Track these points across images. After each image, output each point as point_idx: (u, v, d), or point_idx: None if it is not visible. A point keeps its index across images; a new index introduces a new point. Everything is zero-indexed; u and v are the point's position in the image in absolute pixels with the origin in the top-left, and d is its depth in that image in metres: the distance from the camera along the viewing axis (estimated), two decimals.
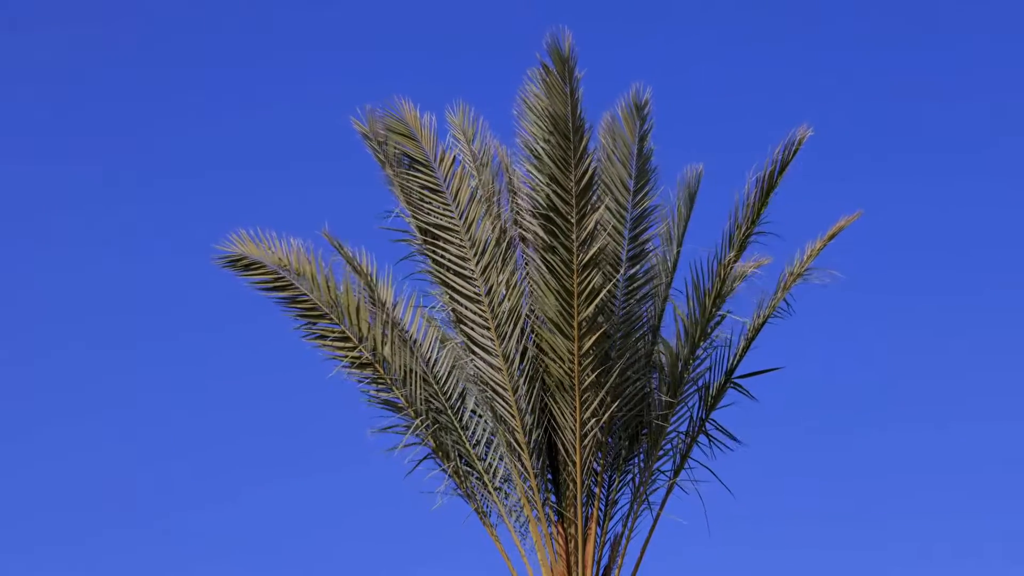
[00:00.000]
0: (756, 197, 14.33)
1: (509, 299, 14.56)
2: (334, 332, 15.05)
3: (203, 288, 32.34)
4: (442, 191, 14.67)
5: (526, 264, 14.80)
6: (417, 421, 14.99)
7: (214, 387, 31.69)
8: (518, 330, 14.54)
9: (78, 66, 34.24)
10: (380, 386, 15.11)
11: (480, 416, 14.98)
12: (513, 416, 14.59)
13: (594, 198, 14.13)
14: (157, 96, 33.94)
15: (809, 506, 29.28)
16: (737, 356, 14.89)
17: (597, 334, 14.29)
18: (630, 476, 14.97)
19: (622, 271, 14.67)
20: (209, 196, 33.28)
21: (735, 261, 14.48)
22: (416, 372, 14.99)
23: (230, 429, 31.29)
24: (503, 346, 14.54)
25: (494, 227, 14.71)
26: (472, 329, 14.67)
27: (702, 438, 15.04)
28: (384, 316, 15.11)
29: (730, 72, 34.49)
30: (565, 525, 14.75)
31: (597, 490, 14.78)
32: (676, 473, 14.94)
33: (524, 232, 14.91)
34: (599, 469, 14.83)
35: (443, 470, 15.09)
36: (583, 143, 13.92)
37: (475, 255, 14.62)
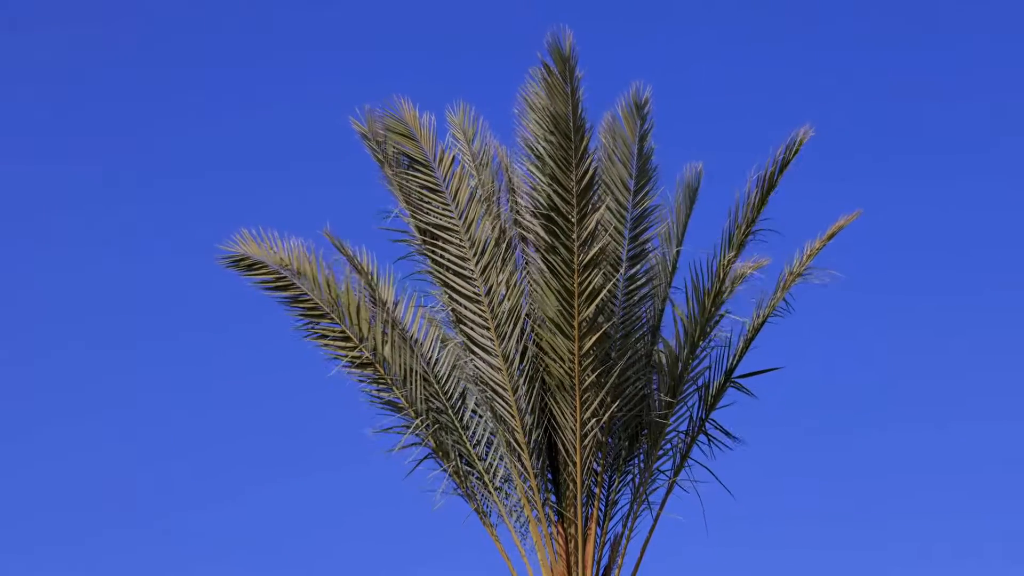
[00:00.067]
0: (756, 197, 14.33)
1: (509, 299, 14.55)
2: (335, 332, 15.05)
3: (203, 288, 32.37)
4: (441, 191, 14.67)
5: (526, 264, 14.80)
6: (417, 421, 14.99)
7: (214, 387, 31.71)
8: (518, 330, 14.54)
9: (78, 66, 34.27)
10: (380, 386, 15.11)
11: (480, 416, 14.98)
12: (513, 416, 14.59)
13: (595, 198, 14.13)
14: (157, 96, 33.97)
15: (809, 506, 29.30)
16: (737, 356, 14.89)
17: (597, 334, 14.29)
18: (630, 476, 14.97)
19: (622, 271, 14.67)
20: (209, 196, 33.31)
21: (734, 261, 14.48)
22: (416, 372, 14.99)
23: (230, 429, 31.32)
24: (503, 346, 14.54)
25: (494, 227, 14.70)
26: (472, 329, 14.66)
27: (702, 438, 15.04)
28: (385, 316, 15.11)
29: (730, 72, 34.51)
30: (565, 525, 14.75)
31: (597, 490, 14.77)
32: (676, 473, 14.94)
33: (524, 232, 14.91)
34: (599, 469, 14.83)
35: (443, 470, 15.09)
36: (584, 143, 13.91)
37: (475, 255, 14.62)
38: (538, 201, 14.20)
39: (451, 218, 14.67)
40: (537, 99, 14.10)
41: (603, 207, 14.32)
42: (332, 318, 15.05)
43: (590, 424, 14.51)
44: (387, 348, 14.98)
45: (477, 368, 14.69)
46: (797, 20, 34.77)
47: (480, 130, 15.71)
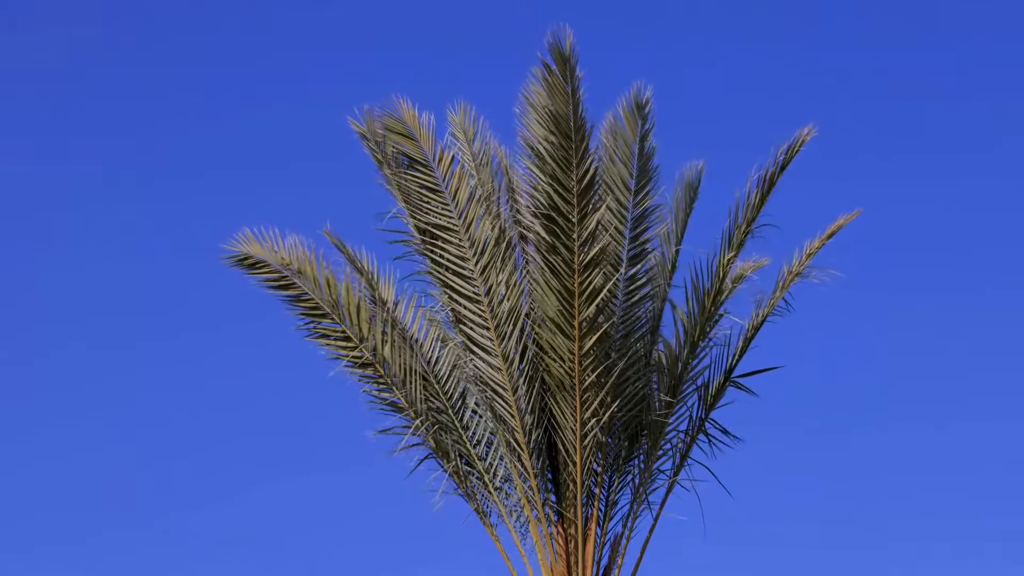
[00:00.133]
0: (756, 197, 14.32)
1: (509, 299, 14.55)
2: (335, 332, 15.05)
3: (203, 288, 32.36)
4: (441, 191, 14.66)
5: (526, 264, 14.79)
6: (417, 422, 14.98)
7: (214, 387, 31.71)
8: (518, 330, 14.53)
9: (78, 66, 34.27)
10: (381, 386, 15.11)
11: (480, 416, 14.97)
12: (513, 416, 14.59)
13: (595, 198, 14.12)
14: (157, 96, 33.97)
15: (809, 505, 29.30)
16: (736, 355, 14.88)
17: (597, 334, 14.28)
18: (630, 476, 14.97)
19: (623, 271, 14.66)
20: (209, 196, 33.30)
21: (734, 260, 14.47)
22: (416, 372, 14.98)
23: (229, 429, 31.31)
24: (503, 346, 14.53)
25: (494, 227, 14.69)
26: (472, 329, 14.66)
27: (702, 437, 15.04)
28: (385, 316, 15.10)
29: (730, 72, 34.51)
30: (565, 525, 14.74)
31: (597, 490, 14.77)
32: (676, 472, 14.93)
33: (525, 232, 14.90)
34: (599, 469, 14.82)
35: (444, 470, 15.08)
36: (584, 143, 13.91)
37: (474, 255, 14.61)
38: (539, 201, 14.19)
39: (451, 218, 14.67)
40: (538, 98, 14.09)
41: (603, 207, 14.31)
42: (333, 318, 15.05)
43: (590, 424, 14.50)
44: (387, 348, 14.98)
45: (477, 368, 14.68)
46: (797, 20, 34.77)
47: (480, 130, 15.71)
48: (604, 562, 14.76)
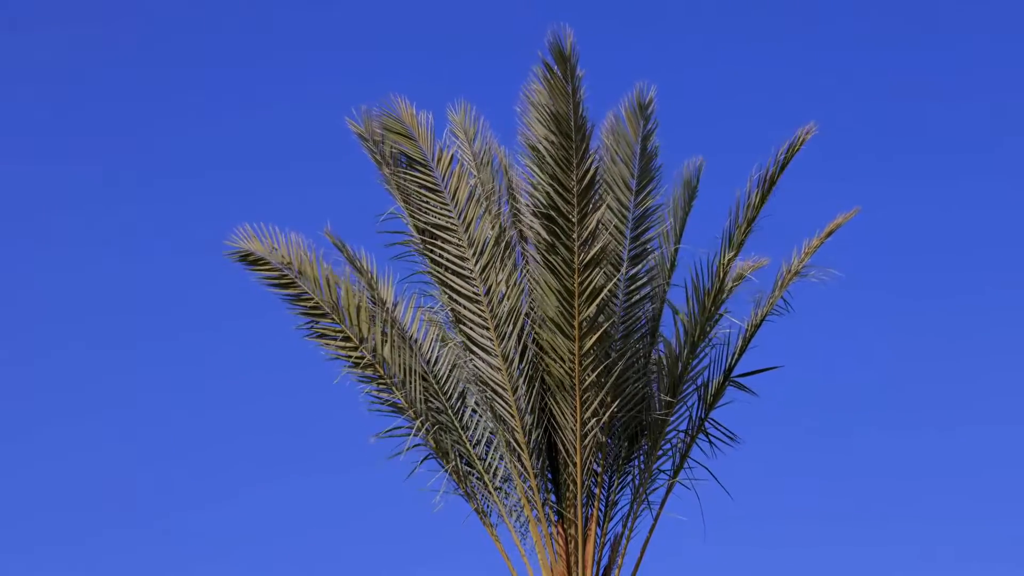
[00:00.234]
0: (756, 197, 14.30)
1: (509, 299, 14.54)
2: (335, 332, 15.03)
3: (203, 288, 32.36)
4: (440, 190, 14.65)
5: (526, 264, 14.78)
6: (417, 422, 14.97)
7: (214, 387, 31.71)
8: (518, 330, 14.52)
9: (78, 66, 34.27)
10: (381, 386, 15.10)
11: (480, 416, 14.96)
12: (513, 416, 14.58)
13: (596, 197, 14.11)
14: (157, 96, 33.97)
15: (808, 506, 29.29)
16: (736, 355, 14.87)
17: (598, 334, 14.27)
18: (630, 476, 14.96)
19: (624, 271, 14.65)
20: (209, 196, 33.30)
21: (734, 260, 14.46)
22: (416, 372, 14.97)
23: (229, 429, 31.31)
24: (502, 346, 14.52)
25: (493, 226, 14.69)
26: (471, 329, 14.65)
27: (701, 437, 15.03)
28: (385, 316, 15.09)
29: (731, 72, 34.50)
30: (565, 525, 14.73)
31: (597, 490, 14.76)
32: (676, 473, 14.92)
33: (525, 232, 14.89)
34: (599, 469, 14.81)
35: (444, 470, 15.07)
36: (585, 142, 13.90)
37: (474, 255, 14.60)
38: (539, 200, 14.18)
39: (450, 217, 14.66)
40: (539, 97, 14.07)
41: (604, 207, 14.29)
42: (333, 318, 15.04)
43: (590, 424, 14.49)
44: (387, 348, 14.97)
45: (477, 368, 14.67)
46: (797, 20, 34.77)
47: (481, 130, 15.70)
48: (604, 562, 14.76)
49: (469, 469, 15.07)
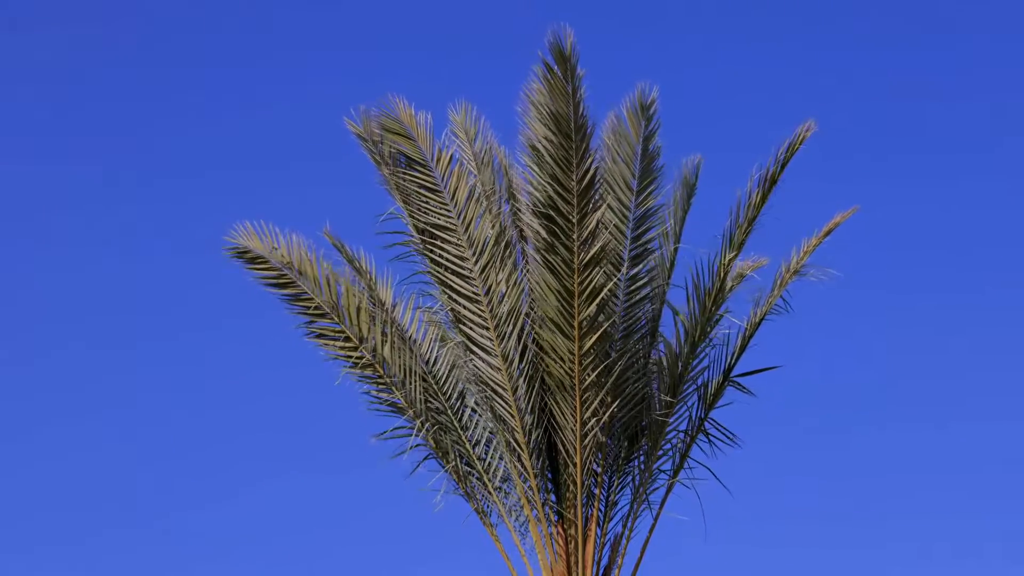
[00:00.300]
0: (757, 196, 14.29)
1: (508, 299, 14.54)
2: (335, 332, 15.04)
3: (203, 288, 32.36)
4: (439, 190, 14.65)
5: (526, 263, 14.78)
6: (418, 423, 14.97)
7: (214, 387, 31.72)
8: (518, 330, 14.53)
9: (78, 66, 34.27)
10: (380, 386, 15.10)
11: (480, 416, 14.97)
12: (513, 416, 14.58)
13: (596, 197, 14.11)
14: (157, 96, 33.97)
15: (808, 505, 29.30)
16: (735, 355, 14.87)
17: (597, 334, 14.27)
18: (630, 477, 14.96)
19: (624, 271, 14.64)
20: (209, 196, 33.30)
21: (735, 260, 14.45)
22: (416, 372, 14.98)
23: (229, 429, 31.32)
24: (502, 346, 14.53)
25: (494, 226, 14.69)
26: (471, 329, 14.65)
27: (701, 437, 15.03)
28: (384, 316, 15.10)
29: (730, 72, 34.51)
30: (565, 525, 14.74)
31: (597, 490, 14.76)
32: (676, 473, 14.93)
33: (525, 231, 14.89)
34: (599, 469, 14.82)
35: (444, 470, 15.08)
36: (585, 142, 13.90)
37: (474, 254, 14.61)
38: (538, 200, 14.18)
39: (449, 217, 14.66)
40: (539, 97, 14.07)
41: (604, 207, 14.29)
42: (332, 318, 15.04)
43: (590, 424, 14.50)
44: (387, 348, 14.97)
45: (477, 368, 14.68)
46: (797, 20, 34.77)
47: (482, 130, 15.70)
48: (604, 562, 14.76)
49: (469, 469, 15.08)
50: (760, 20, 34.61)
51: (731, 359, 14.88)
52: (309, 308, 15.04)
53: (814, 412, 30.42)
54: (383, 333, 15.01)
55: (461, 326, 14.73)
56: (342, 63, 34.29)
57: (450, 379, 15.05)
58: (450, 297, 14.73)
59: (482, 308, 14.58)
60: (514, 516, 14.85)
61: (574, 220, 14.04)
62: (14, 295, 32.48)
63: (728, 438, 15.01)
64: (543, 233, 14.18)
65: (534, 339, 14.59)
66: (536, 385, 14.57)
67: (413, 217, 14.80)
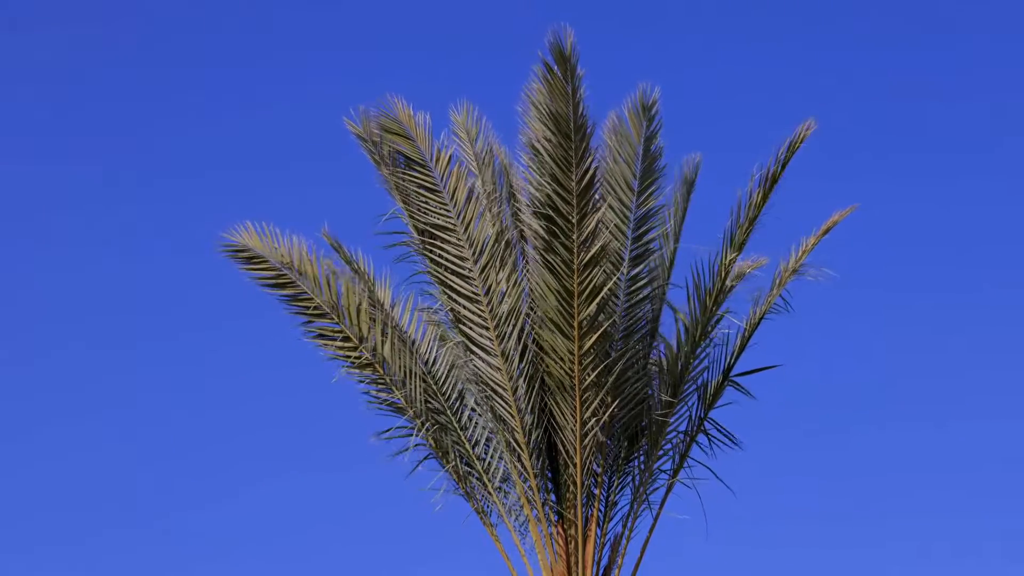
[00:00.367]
0: (759, 196, 14.28)
1: (508, 298, 14.54)
2: (335, 332, 15.04)
3: (203, 288, 32.36)
4: (439, 190, 14.65)
5: (526, 263, 14.78)
6: (417, 423, 14.98)
7: (214, 387, 31.71)
8: (517, 330, 14.53)
9: (78, 66, 34.26)
10: (380, 386, 15.10)
11: (479, 416, 14.97)
12: (512, 416, 14.58)
13: (595, 197, 14.11)
14: (157, 96, 33.97)
15: (807, 505, 29.30)
16: (734, 354, 14.86)
17: (597, 334, 14.27)
18: (630, 477, 14.96)
19: (625, 271, 14.64)
20: (209, 196, 33.29)
21: (736, 260, 14.45)
22: (416, 373, 14.97)
23: (230, 428, 31.32)
24: (502, 346, 14.53)
25: (494, 226, 14.69)
26: (471, 329, 14.65)
27: (701, 437, 15.03)
28: (383, 316, 15.09)
29: (730, 72, 34.51)
30: (565, 525, 14.74)
31: (597, 491, 14.76)
32: (675, 473, 14.93)
33: (525, 231, 14.89)
34: (599, 470, 14.82)
35: (444, 470, 15.08)
36: (584, 143, 13.89)
37: (473, 254, 14.61)
38: (538, 200, 14.19)
39: (449, 217, 14.66)
40: (539, 97, 14.07)
41: (604, 207, 14.30)
42: (332, 318, 15.04)
43: (590, 424, 14.50)
44: (387, 348, 14.97)
45: (476, 368, 14.68)
46: (797, 20, 34.77)
47: (483, 130, 15.70)
48: (604, 562, 14.76)
49: (469, 469, 15.08)
50: (760, 20, 34.63)
51: (731, 359, 14.88)
52: (308, 308, 15.03)
53: (813, 413, 30.44)
54: (383, 333, 15.00)
55: (461, 326, 14.73)
56: (342, 63, 34.30)
57: (450, 379, 15.06)
58: (450, 297, 14.73)
59: (482, 308, 14.58)
60: (514, 516, 14.85)
61: (574, 220, 14.04)
62: (14, 295, 32.50)
63: (728, 438, 15.01)
64: (543, 233, 14.18)
65: (534, 339, 14.59)
66: (536, 385, 14.57)
67: (413, 217, 14.80)
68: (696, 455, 14.99)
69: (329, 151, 32.04)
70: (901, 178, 33.78)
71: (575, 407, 14.43)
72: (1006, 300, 32.17)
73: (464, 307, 14.65)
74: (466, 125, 15.65)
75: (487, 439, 14.97)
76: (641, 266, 14.76)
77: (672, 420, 14.87)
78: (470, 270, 14.62)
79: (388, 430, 15.06)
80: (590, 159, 13.98)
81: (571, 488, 14.62)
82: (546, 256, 14.22)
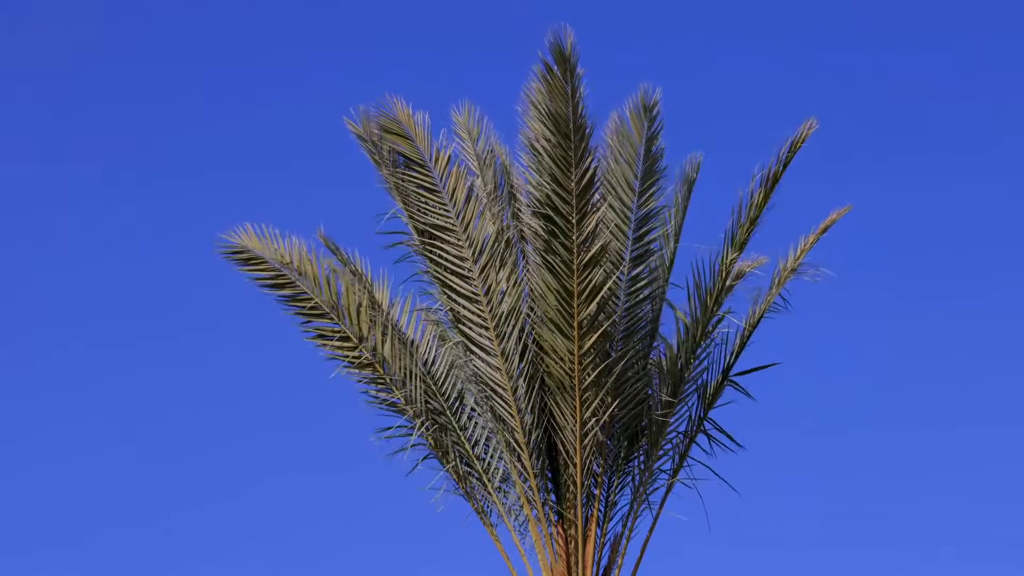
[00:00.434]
0: (760, 195, 14.28)
1: (508, 298, 14.53)
2: (334, 332, 15.03)
3: (203, 288, 32.37)
4: (439, 190, 14.64)
5: (526, 263, 14.78)
6: (417, 423, 14.97)
7: (214, 387, 31.72)
8: (517, 329, 14.52)
9: (78, 66, 34.28)
10: (380, 386, 15.10)
11: (479, 416, 14.97)
12: (512, 416, 14.58)
13: (595, 198, 14.10)
14: (157, 96, 33.98)
15: (807, 505, 29.30)
16: (734, 354, 14.86)
17: (597, 334, 14.27)
18: (630, 477, 14.95)
19: (625, 271, 14.63)
20: (209, 196, 33.30)
21: (736, 260, 14.45)
22: (415, 372, 14.97)
23: (230, 428, 31.33)
24: (502, 346, 14.52)
25: (494, 226, 14.68)
26: (471, 329, 14.65)
27: (701, 437, 15.03)
28: (383, 316, 15.09)
29: (730, 72, 34.52)
30: (565, 525, 14.73)
31: (597, 491, 14.76)
32: (675, 472, 14.92)
33: (525, 231, 14.88)
34: (599, 470, 14.81)
35: (444, 470, 15.08)
36: (584, 143, 13.89)
37: (473, 254, 14.60)
38: (537, 200, 14.18)
39: (448, 217, 14.65)
40: (539, 97, 14.07)
41: (605, 207, 14.29)
42: (331, 318, 15.03)
43: (590, 424, 14.49)
44: (386, 348, 14.97)
45: (476, 368, 14.67)
46: (797, 20, 34.78)
47: (484, 130, 15.70)
48: (604, 562, 14.76)
49: (468, 469, 15.07)
50: (760, 20, 34.64)
51: (730, 358, 14.88)
52: (308, 308, 15.02)
53: (812, 413, 30.45)
54: (383, 333, 15.00)
55: (461, 326, 14.72)
56: (342, 63, 34.31)
57: (449, 379, 15.06)
58: (449, 297, 14.72)
59: (482, 308, 14.58)
60: (514, 516, 14.85)
61: (573, 220, 14.04)
62: (14, 295, 32.51)
63: (728, 439, 15.00)
64: (542, 233, 14.17)
65: (534, 339, 14.58)
66: (536, 385, 14.57)
67: (412, 218, 14.80)
68: (696, 455, 15.00)
69: (329, 151, 32.06)
70: (901, 178, 33.81)
71: (575, 407, 14.42)
72: (1007, 301, 32.18)
73: (464, 307, 14.64)
74: (468, 125, 15.65)
75: (487, 439, 14.97)
76: (642, 266, 14.75)
77: (672, 420, 14.87)
78: (470, 270, 14.61)
79: (388, 429, 15.07)
80: (590, 159, 13.97)
81: (571, 488, 14.61)
82: (546, 256, 14.21)
